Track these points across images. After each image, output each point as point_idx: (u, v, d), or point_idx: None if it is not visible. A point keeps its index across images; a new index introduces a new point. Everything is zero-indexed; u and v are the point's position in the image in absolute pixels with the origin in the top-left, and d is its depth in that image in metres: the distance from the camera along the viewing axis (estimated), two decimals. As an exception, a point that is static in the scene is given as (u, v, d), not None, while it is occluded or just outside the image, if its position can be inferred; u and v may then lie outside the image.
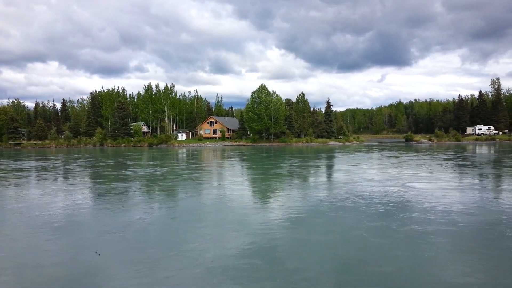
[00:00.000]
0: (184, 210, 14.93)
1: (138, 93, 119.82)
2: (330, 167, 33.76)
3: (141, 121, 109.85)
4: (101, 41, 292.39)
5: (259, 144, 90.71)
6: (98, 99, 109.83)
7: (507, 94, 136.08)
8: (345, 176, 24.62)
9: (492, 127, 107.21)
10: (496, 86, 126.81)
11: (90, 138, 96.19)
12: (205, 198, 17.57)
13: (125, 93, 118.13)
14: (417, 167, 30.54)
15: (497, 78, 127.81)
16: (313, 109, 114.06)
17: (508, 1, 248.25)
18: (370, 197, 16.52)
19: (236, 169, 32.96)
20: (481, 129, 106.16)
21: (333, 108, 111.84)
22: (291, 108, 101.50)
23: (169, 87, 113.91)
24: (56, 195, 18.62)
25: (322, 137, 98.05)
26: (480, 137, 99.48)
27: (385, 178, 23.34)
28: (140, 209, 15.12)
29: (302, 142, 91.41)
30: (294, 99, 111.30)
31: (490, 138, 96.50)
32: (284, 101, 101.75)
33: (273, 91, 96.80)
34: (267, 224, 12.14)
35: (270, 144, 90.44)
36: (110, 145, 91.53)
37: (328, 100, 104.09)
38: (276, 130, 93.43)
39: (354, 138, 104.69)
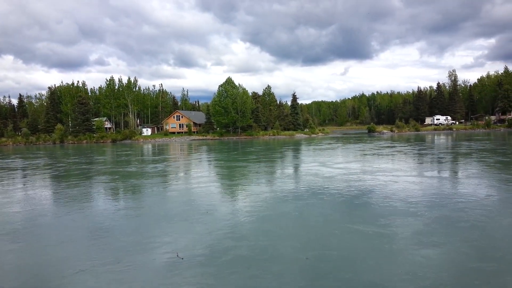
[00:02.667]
0: (151, 206, 14.56)
1: (100, 87, 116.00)
2: (298, 158, 34.13)
3: (104, 117, 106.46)
4: (59, 34, 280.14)
5: (226, 138, 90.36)
6: (57, 94, 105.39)
7: (463, 86, 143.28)
8: (316, 167, 24.96)
9: (449, 117, 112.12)
10: (453, 78, 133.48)
11: (49, 135, 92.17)
12: (172, 193, 17.28)
13: (85, 87, 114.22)
14: (377, 158, 31.52)
15: (454, 70, 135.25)
16: (280, 102, 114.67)
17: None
18: (336, 187, 16.82)
19: (203, 163, 32.66)
20: (439, 119, 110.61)
21: (299, 101, 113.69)
22: (258, 101, 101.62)
23: (132, 81, 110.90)
24: (13, 196, 17.71)
25: (288, 129, 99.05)
26: (438, 127, 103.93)
27: (354, 168, 23.91)
28: (105, 207, 14.65)
29: (269, 135, 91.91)
30: (260, 92, 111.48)
31: (447, 128, 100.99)
32: (251, 94, 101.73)
33: (239, 85, 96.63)
34: (235, 217, 12.09)
35: (237, 137, 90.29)
36: (71, 141, 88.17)
37: (294, 93, 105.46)
38: (243, 124, 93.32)
39: (319, 130, 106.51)
